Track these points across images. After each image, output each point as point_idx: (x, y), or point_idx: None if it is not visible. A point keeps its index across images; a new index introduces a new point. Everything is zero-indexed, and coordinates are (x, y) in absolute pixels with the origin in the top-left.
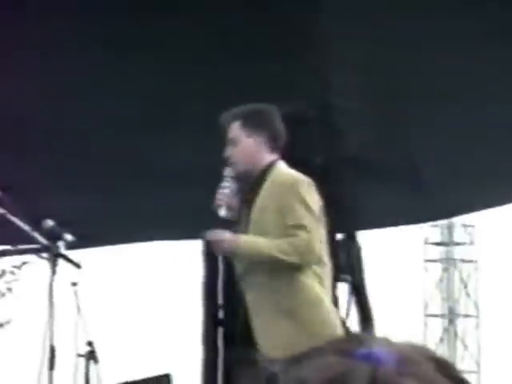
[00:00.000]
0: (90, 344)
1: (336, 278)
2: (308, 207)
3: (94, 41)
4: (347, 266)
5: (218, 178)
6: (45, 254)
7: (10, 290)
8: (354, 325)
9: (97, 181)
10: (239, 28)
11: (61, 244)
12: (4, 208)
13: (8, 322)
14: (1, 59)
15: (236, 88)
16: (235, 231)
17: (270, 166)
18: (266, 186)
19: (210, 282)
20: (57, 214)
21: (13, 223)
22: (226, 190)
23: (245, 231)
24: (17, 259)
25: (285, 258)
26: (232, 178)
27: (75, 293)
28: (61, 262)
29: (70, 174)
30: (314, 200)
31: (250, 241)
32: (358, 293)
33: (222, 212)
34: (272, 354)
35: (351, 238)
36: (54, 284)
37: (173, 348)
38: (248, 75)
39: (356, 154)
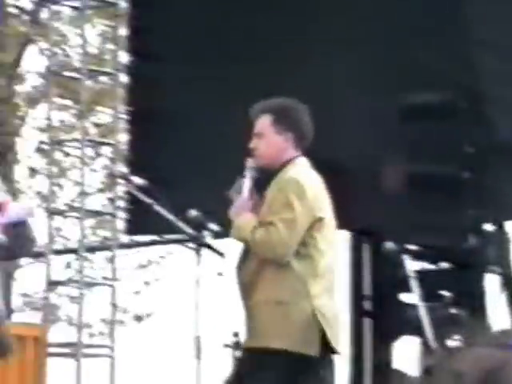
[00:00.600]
0: (236, 335)
1: (484, 270)
2: (291, 208)
3: None
4: (496, 257)
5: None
6: (190, 244)
7: (156, 280)
8: (503, 317)
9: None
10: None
11: (206, 234)
12: (150, 198)
13: (154, 312)
14: None
15: (387, 79)
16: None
17: (288, 163)
18: (275, 181)
19: (356, 272)
20: (201, 204)
21: (159, 213)
22: (246, 181)
23: None
24: (162, 249)
25: (252, 246)
26: (253, 170)
27: (220, 283)
28: (206, 251)
29: (213, 164)
30: (307, 203)
31: (247, 219)
32: (509, 285)
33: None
34: (247, 342)
35: (500, 229)
36: (200, 274)
37: None
38: (399, 66)
39: (506, 142)
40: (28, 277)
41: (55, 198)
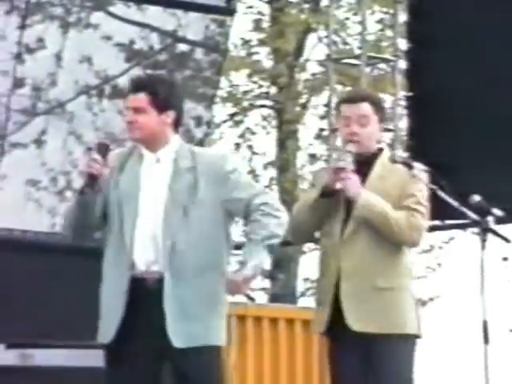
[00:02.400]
0: None
1: None
2: (424, 197)
3: None
4: None
5: None
6: (474, 229)
7: (439, 265)
8: None
9: None
10: None
11: (490, 219)
12: (433, 184)
13: (438, 297)
14: None
15: None
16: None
17: (380, 152)
18: (382, 169)
19: None
20: (484, 189)
21: (441, 199)
22: (344, 164)
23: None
24: (445, 234)
25: (395, 228)
26: (351, 154)
27: (505, 268)
28: (490, 236)
29: (495, 149)
30: (426, 195)
31: (373, 195)
32: None
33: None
34: (356, 327)
35: None
36: (484, 259)
37: None
38: None
39: None
40: (313, 262)
41: None
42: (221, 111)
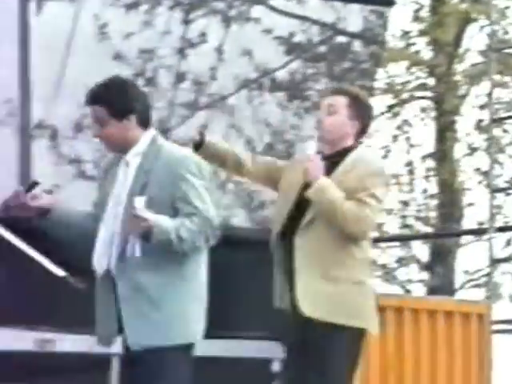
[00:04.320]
0: None
1: None
2: (380, 192)
3: None
4: None
5: None
6: None
7: None
8: None
9: None
10: None
11: None
12: None
13: None
14: None
15: None
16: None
17: (352, 148)
18: (347, 164)
19: None
20: None
21: None
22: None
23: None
24: None
25: (340, 216)
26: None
27: None
28: None
29: None
30: (384, 191)
31: (332, 185)
32: None
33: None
34: (311, 314)
35: None
36: None
37: None
38: None
39: None
40: (471, 254)
41: (496, 175)
42: (377, 103)
